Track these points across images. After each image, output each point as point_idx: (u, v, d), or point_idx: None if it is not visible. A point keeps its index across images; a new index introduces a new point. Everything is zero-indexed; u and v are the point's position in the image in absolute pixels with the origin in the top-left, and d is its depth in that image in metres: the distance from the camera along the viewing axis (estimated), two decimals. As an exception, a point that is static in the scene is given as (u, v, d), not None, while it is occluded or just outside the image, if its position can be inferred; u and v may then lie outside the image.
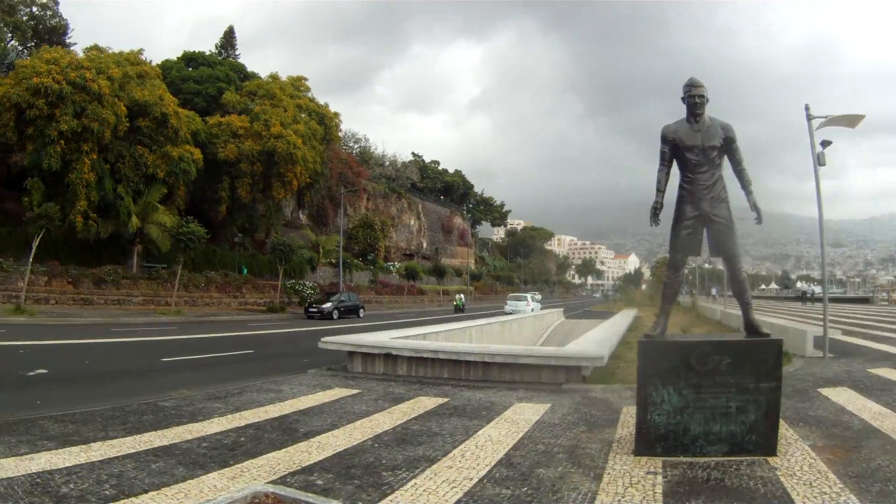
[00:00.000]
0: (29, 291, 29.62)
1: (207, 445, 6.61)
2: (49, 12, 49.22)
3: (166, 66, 48.41)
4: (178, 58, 52.34)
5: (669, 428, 6.13)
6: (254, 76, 52.66)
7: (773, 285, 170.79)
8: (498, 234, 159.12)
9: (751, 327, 6.49)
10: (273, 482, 5.19)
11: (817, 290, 67.00)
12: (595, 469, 5.71)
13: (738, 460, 5.92)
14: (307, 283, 48.81)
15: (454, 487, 5.20)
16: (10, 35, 46.72)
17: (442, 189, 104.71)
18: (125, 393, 10.32)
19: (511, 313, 38.29)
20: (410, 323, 26.55)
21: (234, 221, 46.90)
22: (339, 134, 60.62)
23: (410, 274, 67.27)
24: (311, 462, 6.00)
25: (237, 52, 62.44)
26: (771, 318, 22.70)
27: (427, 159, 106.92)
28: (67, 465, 5.66)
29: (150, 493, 4.95)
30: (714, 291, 78.29)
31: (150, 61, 42.74)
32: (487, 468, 5.75)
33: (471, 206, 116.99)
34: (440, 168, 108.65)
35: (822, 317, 14.72)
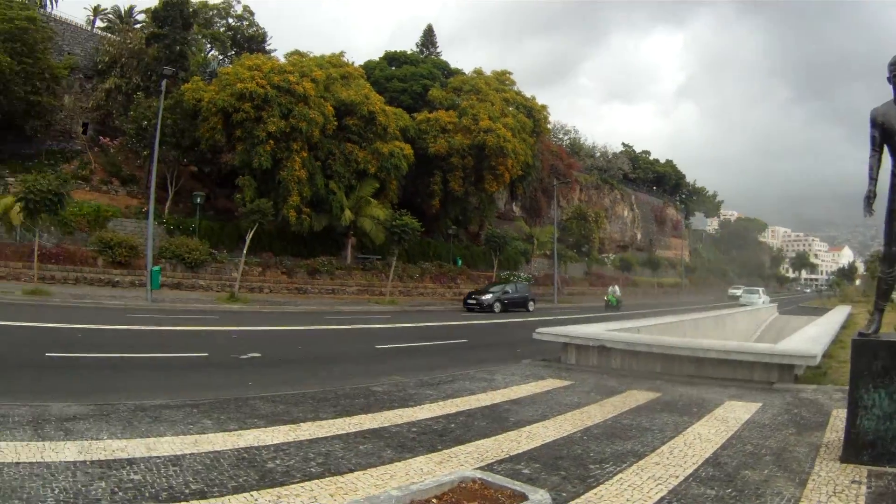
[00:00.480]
0: (243, 281, 32.18)
1: (417, 430, 6.77)
2: (245, 22, 53.66)
3: (369, 67, 50.03)
4: (380, 58, 53.80)
5: (878, 434, 5.66)
6: (457, 72, 53.11)
7: None
8: (711, 225, 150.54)
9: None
10: (480, 468, 5.24)
11: None
12: (800, 474, 5.46)
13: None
14: (521, 274, 48.84)
15: (659, 484, 5.11)
16: (209, 46, 51.20)
17: (653, 180, 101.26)
18: (337, 378, 10.73)
19: (745, 305, 37.09)
20: (611, 317, 26.20)
21: (448, 214, 47.61)
22: (548, 126, 59.82)
23: (624, 266, 66.58)
24: (519, 451, 6.01)
25: (438, 50, 63.28)
26: None
27: (637, 150, 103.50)
28: (275, 442, 5.98)
29: (356, 473, 5.13)
30: None
31: (353, 62, 44.56)
32: (694, 467, 5.63)
33: (683, 196, 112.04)
34: (651, 158, 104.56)
35: None
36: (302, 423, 6.74)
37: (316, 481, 4.85)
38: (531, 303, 37.30)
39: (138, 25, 48.88)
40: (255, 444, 5.79)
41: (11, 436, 5.61)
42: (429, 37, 63.80)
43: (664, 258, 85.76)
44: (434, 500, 4.16)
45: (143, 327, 17.18)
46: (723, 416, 7.80)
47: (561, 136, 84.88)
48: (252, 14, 53.72)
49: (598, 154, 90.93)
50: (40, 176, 25.96)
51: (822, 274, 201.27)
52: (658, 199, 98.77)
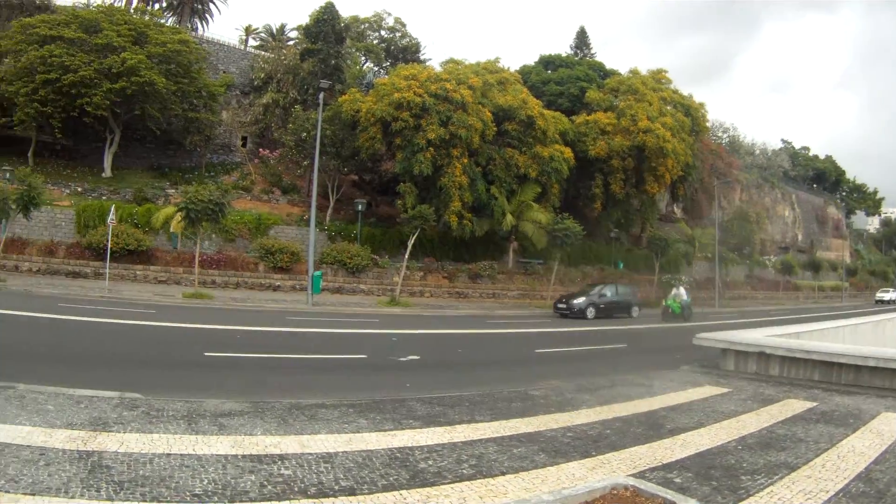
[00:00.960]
0: (404, 286, 32.90)
1: (572, 435, 6.74)
2: (398, 34, 55.07)
3: (525, 71, 49.97)
4: (535, 62, 53.71)
5: None
6: (613, 73, 51.92)
7: None
8: (871, 224, 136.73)
9: None
10: (633, 476, 5.23)
11: None
12: (953, 493, 5.07)
13: None
14: (683, 277, 47.18)
15: (809, 499, 5.04)
16: (363, 58, 52.83)
17: (813, 177, 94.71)
18: (496, 381, 10.70)
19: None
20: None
21: (609, 217, 46.89)
22: (707, 125, 57.50)
23: (786, 268, 63.04)
24: (673, 459, 5.95)
25: (592, 52, 62.53)
26: None
27: (796, 146, 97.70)
28: (429, 443, 6.05)
29: (508, 476, 5.12)
30: None
31: (508, 68, 44.54)
32: (845, 482, 5.47)
33: (843, 193, 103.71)
34: (810, 154, 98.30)
35: None
36: (457, 426, 6.85)
37: (466, 483, 4.86)
38: (635, 308, 32.88)
39: (291, 42, 52.22)
40: (409, 445, 5.90)
41: (165, 429, 5.94)
42: (582, 38, 63.49)
43: (825, 260, 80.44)
44: (584, 506, 4.15)
45: (302, 329, 17.76)
46: (878, 428, 7.58)
47: (720, 133, 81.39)
48: (404, 25, 55.62)
49: (758, 151, 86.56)
50: (201, 187, 27.78)
51: None
52: (818, 197, 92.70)
